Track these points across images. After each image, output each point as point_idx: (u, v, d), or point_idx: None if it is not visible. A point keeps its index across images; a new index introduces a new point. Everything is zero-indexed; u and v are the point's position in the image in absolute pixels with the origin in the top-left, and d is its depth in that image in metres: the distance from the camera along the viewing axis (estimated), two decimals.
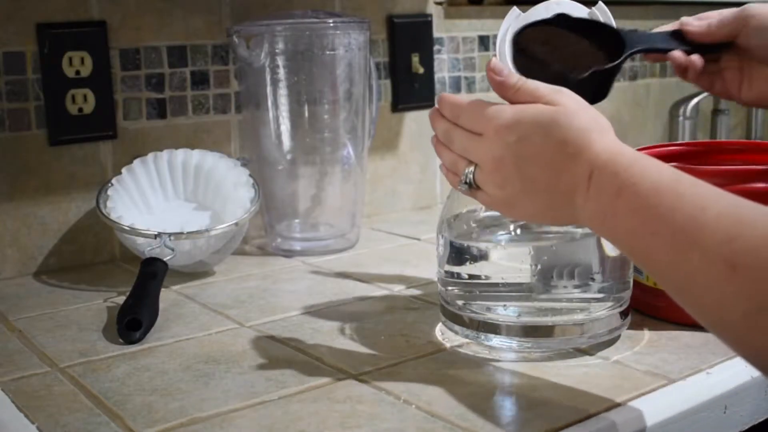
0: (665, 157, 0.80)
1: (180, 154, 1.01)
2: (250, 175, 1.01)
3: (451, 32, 1.31)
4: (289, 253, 1.05)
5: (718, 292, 0.48)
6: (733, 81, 0.77)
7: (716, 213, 0.50)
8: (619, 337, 0.71)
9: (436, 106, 0.66)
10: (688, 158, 0.83)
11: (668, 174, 0.54)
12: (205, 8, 1.08)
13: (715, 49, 0.77)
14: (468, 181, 0.63)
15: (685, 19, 0.81)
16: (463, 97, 0.65)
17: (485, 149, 0.61)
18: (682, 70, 0.77)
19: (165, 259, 0.87)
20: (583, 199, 0.57)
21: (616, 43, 0.72)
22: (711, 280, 0.49)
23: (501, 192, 0.61)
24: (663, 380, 0.63)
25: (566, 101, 0.59)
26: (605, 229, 0.57)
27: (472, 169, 0.62)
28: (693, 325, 0.73)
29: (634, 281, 0.74)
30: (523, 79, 0.62)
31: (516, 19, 0.77)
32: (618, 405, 0.59)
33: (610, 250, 0.69)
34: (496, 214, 0.68)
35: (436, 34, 1.29)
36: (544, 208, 0.60)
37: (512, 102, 0.61)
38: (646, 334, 0.73)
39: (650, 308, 0.76)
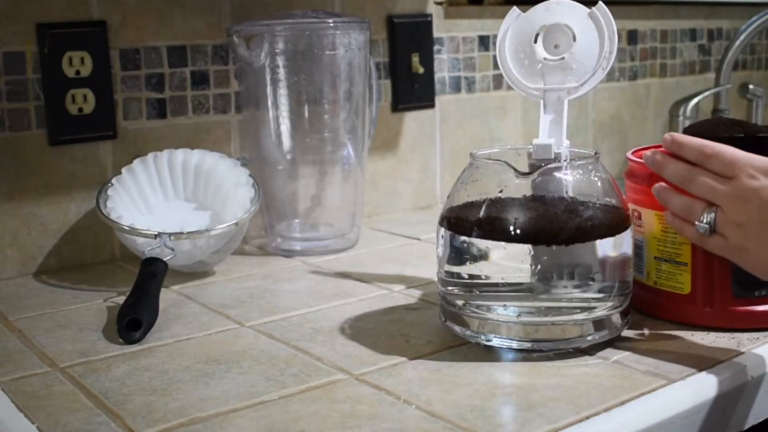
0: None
1: (180, 154, 1.01)
2: (250, 175, 1.01)
3: (451, 32, 1.31)
4: (289, 253, 1.05)
5: None
6: None
7: None
8: (619, 337, 0.71)
9: (665, 146, 0.70)
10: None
11: None
12: (205, 8, 1.08)
13: None
14: (708, 222, 0.67)
15: None
16: (705, 141, 0.68)
17: (733, 190, 0.65)
18: None
19: (165, 259, 0.87)
20: None
21: None
22: None
23: (739, 234, 0.65)
24: (663, 380, 0.63)
25: None
26: None
27: (713, 211, 0.67)
28: (691, 325, 0.73)
29: (636, 281, 0.74)
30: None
31: (516, 19, 0.77)
32: (618, 405, 0.59)
33: (610, 250, 0.69)
34: (496, 214, 0.68)
35: (436, 34, 1.29)
36: None
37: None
38: (646, 334, 0.73)
39: (651, 308, 0.76)
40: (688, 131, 0.76)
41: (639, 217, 0.76)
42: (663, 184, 0.71)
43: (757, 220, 0.64)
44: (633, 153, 0.79)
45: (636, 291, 0.74)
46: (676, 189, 0.70)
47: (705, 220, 0.67)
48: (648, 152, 0.72)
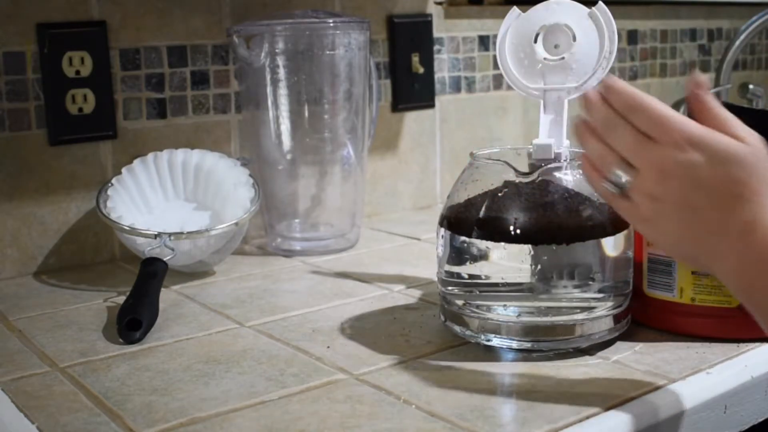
0: None
1: (180, 154, 1.01)
2: (250, 175, 1.01)
3: (451, 32, 1.31)
4: (289, 253, 1.05)
5: None
6: None
7: None
8: (619, 337, 0.71)
9: (598, 88, 0.60)
10: None
11: None
12: (205, 8, 1.08)
13: None
14: (619, 183, 0.58)
15: None
16: (639, 92, 0.58)
17: (655, 157, 0.56)
18: None
19: (165, 259, 0.87)
20: (728, 247, 0.55)
21: None
22: None
23: (651, 206, 0.57)
24: (663, 380, 0.63)
25: (759, 145, 0.56)
26: (741, 283, 0.55)
27: (628, 173, 0.58)
28: (745, 340, 0.70)
29: (658, 300, 0.73)
30: (721, 106, 0.58)
31: (516, 19, 0.77)
32: (618, 405, 0.59)
33: (610, 249, 0.69)
34: (497, 214, 0.68)
35: (436, 34, 1.29)
36: (686, 237, 0.57)
37: (700, 122, 0.57)
38: (647, 334, 0.73)
39: (690, 327, 0.72)
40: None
41: None
42: (587, 121, 0.61)
43: (675, 199, 0.56)
44: None
45: (660, 310, 0.72)
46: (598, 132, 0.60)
47: (615, 180, 0.59)
48: (583, 95, 0.62)
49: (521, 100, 1.39)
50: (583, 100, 0.61)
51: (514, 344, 0.69)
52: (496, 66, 1.23)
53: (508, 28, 0.77)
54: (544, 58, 0.75)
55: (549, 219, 0.67)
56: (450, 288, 0.72)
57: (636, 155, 0.57)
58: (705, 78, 0.59)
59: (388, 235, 1.15)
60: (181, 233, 0.91)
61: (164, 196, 1.01)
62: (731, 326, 0.69)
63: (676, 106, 1.53)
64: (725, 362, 0.66)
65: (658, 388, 0.62)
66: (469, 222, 0.69)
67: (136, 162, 1.00)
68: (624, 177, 0.58)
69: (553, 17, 0.75)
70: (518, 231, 0.67)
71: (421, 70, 1.27)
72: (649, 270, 0.73)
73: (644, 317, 0.75)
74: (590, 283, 0.68)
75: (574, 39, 0.74)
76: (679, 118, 0.56)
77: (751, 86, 1.60)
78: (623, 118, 0.58)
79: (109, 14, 1.01)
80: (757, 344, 0.69)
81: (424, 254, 1.03)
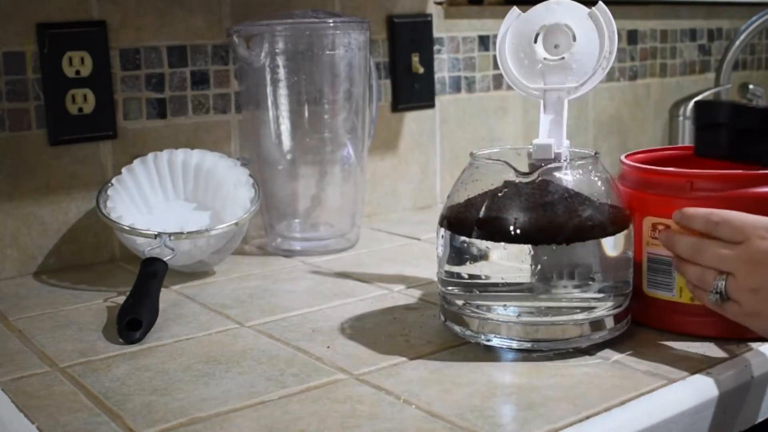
0: (668, 161, 0.80)
1: (180, 154, 1.01)
2: (250, 175, 1.01)
3: (451, 32, 1.31)
4: (289, 253, 1.05)
5: None
6: None
7: None
8: (619, 337, 0.71)
9: (676, 220, 0.69)
10: (689, 162, 0.82)
11: None
12: (205, 8, 1.08)
13: None
14: (719, 290, 0.65)
15: None
16: (711, 210, 0.67)
17: (745, 254, 0.64)
18: None
19: (165, 259, 0.87)
20: None
21: None
22: None
23: (753, 299, 0.63)
24: (663, 380, 0.63)
25: None
26: None
27: (723, 279, 0.65)
28: (747, 339, 0.71)
29: (657, 300, 0.73)
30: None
31: (516, 19, 0.77)
32: (618, 405, 0.59)
33: (610, 249, 0.69)
34: (497, 214, 0.68)
35: (436, 34, 1.29)
36: None
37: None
38: (647, 335, 0.73)
39: (690, 326, 0.72)
40: (698, 106, 0.74)
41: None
42: (677, 257, 0.69)
43: None
44: (628, 157, 0.78)
45: (660, 310, 0.72)
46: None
47: (715, 290, 0.66)
48: (662, 234, 0.70)
49: (521, 100, 1.39)
50: (665, 241, 0.70)
51: (514, 344, 0.69)
52: (496, 66, 1.23)
53: (508, 28, 0.77)
54: (544, 58, 0.75)
55: (549, 219, 0.67)
56: (450, 288, 0.72)
57: (728, 261, 0.65)
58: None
59: (388, 235, 1.15)
60: (181, 233, 0.91)
61: (164, 196, 1.01)
62: (731, 326, 0.69)
63: (676, 106, 1.53)
64: (725, 362, 0.66)
65: (658, 388, 0.62)
66: (469, 222, 0.69)
67: (136, 162, 1.00)
68: (721, 284, 0.65)
69: (553, 17, 0.75)
70: (518, 231, 0.67)
71: (421, 70, 1.26)
72: (649, 270, 0.73)
73: (644, 317, 0.74)
74: (590, 283, 0.68)
75: (574, 39, 0.74)
76: (755, 217, 0.65)
77: (751, 86, 1.60)
78: (706, 236, 0.67)
79: (109, 14, 1.01)
80: (757, 344, 0.69)
81: (424, 254, 1.03)
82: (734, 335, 0.70)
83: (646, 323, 0.74)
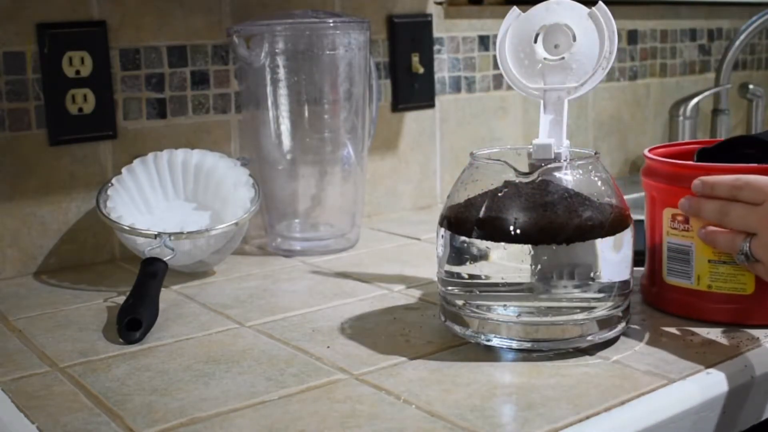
0: (690, 155, 0.81)
1: (180, 153, 1.01)
2: (250, 175, 1.01)
3: (451, 32, 1.31)
4: (289, 253, 1.05)
5: None
6: None
7: None
8: (619, 337, 0.71)
9: (697, 190, 0.71)
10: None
11: None
12: (205, 8, 1.08)
13: None
14: (744, 251, 0.68)
15: None
16: (733, 175, 0.70)
17: (764, 213, 0.67)
18: None
19: (165, 259, 0.87)
20: None
21: None
22: None
23: None
24: (663, 380, 0.63)
25: None
26: None
27: (748, 240, 0.68)
28: (755, 326, 0.73)
29: (678, 287, 0.75)
30: None
31: (516, 19, 0.77)
32: (618, 405, 0.59)
33: (610, 249, 0.69)
34: (497, 214, 0.68)
35: (436, 34, 1.29)
36: None
37: None
38: (647, 334, 0.73)
39: (705, 313, 0.75)
40: (702, 157, 0.78)
41: (685, 222, 0.74)
42: (707, 228, 0.72)
43: None
44: (651, 151, 0.80)
45: (678, 297, 0.75)
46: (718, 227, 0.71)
47: (741, 250, 0.69)
48: (682, 200, 0.73)
49: (521, 100, 1.39)
50: (688, 209, 0.72)
51: (514, 344, 0.69)
52: (496, 66, 1.23)
53: (508, 28, 0.77)
54: (544, 58, 0.75)
55: (549, 219, 0.67)
56: (450, 288, 0.72)
57: (752, 221, 0.68)
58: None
59: (388, 235, 1.15)
60: (181, 233, 0.91)
61: (164, 196, 1.01)
62: (746, 313, 0.73)
63: (676, 106, 1.53)
64: (725, 362, 0.66)
65: (658, 388, 0.62)
66: (469, 222, 0.69)
67: (136, 162, 1.00)
68: (746, 245, 0.68)
69: (553, 17, 0.75)
70: (518, 231, 0.67)
71: (421, 70, 1.27)
72: (669, 258, 0.76)
73: (663, 304, 0.78)
74: (590, 283, 0.68)
75: (574, 39, 0.74)
76: None
77: (751, 86, 1.60)
78: (730, 200, 0.69)
79: (109, 14, 1.01)
80: (757, 344, 0.69)
81: (424, 254, 1.03)
82: (748, 321, 0.73)
83: (665, 310, 0.77)
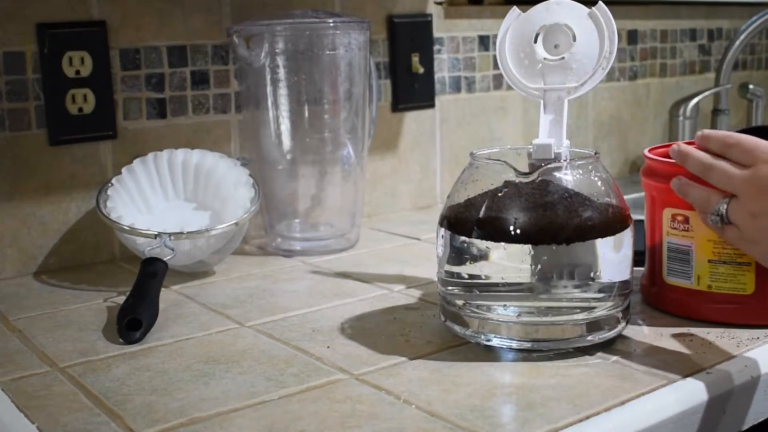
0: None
1: (180, 153, 1.01)
2: (250, 175, 1.01)
3: (451, 32, 1.31)
4: (289, 253, 1.05)
5: None
6: None
7: None
8: (619, 337, 0.71)
9: (696, 140, 0.71)
10: None
11: None
12: (205, 8, 1.08)
13: None
14: (720, 213, 0.67)
15: None
16: (729, 132, 0.70)
17: (750, 177, 0.64)
18: None
19: (165, 259, 0.87)
20: None
21: None
22: None
23: (752, 223, 0.64)
24: (663, 380, 0.63)
25: None
26: None
27: (726, 201, 0.66)
28: (755, 326, 0.73)
29: (678, 287, 0.75)
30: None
31: (516, 19, 0.77)
32: (618, 405, 0.59)
33: (610, 249, 0.69)
34: (497, 214, 0.68)
35: (436, 34, 1.29)
36: None
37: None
38: (646, 334, 0.73)
39: (704, 313, 0.75)
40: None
41: (685, 222, 0.74)
42: (683, 177, 0.71)
43: None
44: (651, 151, 0.80)
45: (678, 297, 0.75)
46: (698, 181, 0.70)
47: (716, 211, 0.67)
48: (673, 146, 0.73)
49: (521, 100, 1.39)
50: (677, 154, 0.71)
51: (514, 344, 0.69)
52: (496, 66, 1.23)
53: (508, 28, 0.77)
54: (544, 58, 0.75)
55: (549, 219, 0.67)
56: (450, 288, 0.72)
57: (734, 182, 0.66)
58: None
59: (388, 235, 1.15)
60: (181, 233, 0.91)
61: (164, 196, 1.01)
62: (746, 312, 0.73)
63: (676, 106, 1.53)
64: (725, 362, 0.66)
65: (658, 388, 0.62)
66: (469, 222, 0.69)
67: (136, 162, 1.00)
68: (723, 206, 0.66)
69: (553, 17, 0.75)
70: (518, 231, 0.67)
71: (421, 70, 1.27)
72: (669, 258, 0.76)
73: (663, 304, 0.78)
74: (590, 283, 0.68)
75: (574, 39, 0.74)
76: (765, 142, 0.65)
77: (751, 86, 1.60)
78: (719, 156, 0.68)
79: (109, 14, 1.01)
80: (757, 344, 0.69)
81: (424, 254, 1.03)
82: (748, 321, 0.73)
83: (665, 310, 0.77)
